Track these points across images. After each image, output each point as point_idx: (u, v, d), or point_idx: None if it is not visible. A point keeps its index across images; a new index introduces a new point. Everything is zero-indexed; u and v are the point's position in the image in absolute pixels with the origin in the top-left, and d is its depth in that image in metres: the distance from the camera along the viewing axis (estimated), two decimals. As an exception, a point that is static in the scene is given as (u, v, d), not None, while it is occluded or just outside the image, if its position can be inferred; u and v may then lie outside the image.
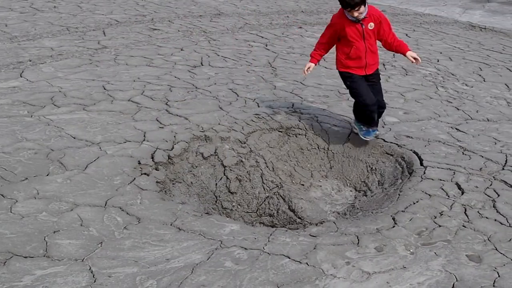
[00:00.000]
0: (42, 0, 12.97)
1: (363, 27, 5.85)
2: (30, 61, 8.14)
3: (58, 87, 7.05)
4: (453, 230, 4.53)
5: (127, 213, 4.40)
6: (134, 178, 4.98)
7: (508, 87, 9.02)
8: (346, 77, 6.11)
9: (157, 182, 5.04)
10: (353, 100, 6.24)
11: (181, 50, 9.56)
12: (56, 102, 6.49)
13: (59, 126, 5.82)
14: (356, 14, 5.69)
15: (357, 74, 6.01)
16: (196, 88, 7.51)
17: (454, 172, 5.58)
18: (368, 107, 6.02)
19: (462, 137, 6.59)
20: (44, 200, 4.44)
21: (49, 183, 4.70)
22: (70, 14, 11.77)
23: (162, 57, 8.97)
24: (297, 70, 8.93)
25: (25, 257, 3.73)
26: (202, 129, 6.11)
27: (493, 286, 3.85)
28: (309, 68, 6.19)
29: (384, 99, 6.31)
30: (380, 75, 6.33)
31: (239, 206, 5.55)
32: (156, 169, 5.26)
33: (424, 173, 5.55)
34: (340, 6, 5.78)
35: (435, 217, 4.72)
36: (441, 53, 11.22)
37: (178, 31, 11.15)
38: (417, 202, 4.96)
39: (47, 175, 4.85)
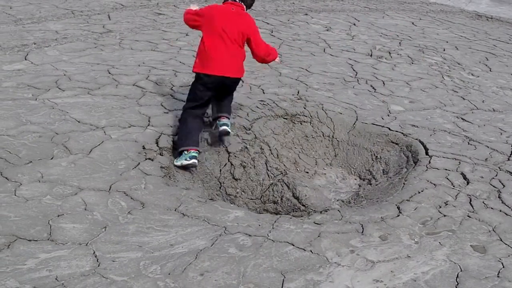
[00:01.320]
0: (47, -17, 12.92)
1: None
2: (34, 44, 8.11)
3: (62, 70, 7.02)
4: (458, 220, 4.51)
5: (131, 198, 4.39)
6: (139, 163, 4.97)
7: (514, 77, 8.98)
8: None
9: (161, 167, 5.02)
10: (359, 88, 6.19)
11: (186, 35, 9.52)
12: (60, 85, 6.47)
13: (63, 110, 5.80)
14: None
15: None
16: (201, 73, 7.47)
17: (459, 162, 5.56)
18: None
19: (467, 127, 6.57)
20: (49, 183, 4.43)
21: (53, 167, 4.69)
22: (75, -2, 11.72)
23: (167, 42, 8.93)
24: (302, 57, 8.89)
25: (29, 240, 3.72)
26: (207, 115, 6.08)
27: (498, 276, 3.84)
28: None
29: None
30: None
31: (243, 193, 5.54)
32: (161, 154, 5.25)
33: (429, 162, 5.53)
34: None
35: (440, 207, 4.70)
36: (447, 42, 11.16)
37: (183, 16, 11.10)
38: (422, 191, 4.95)
39: (52, 158, 4.83)
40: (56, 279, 3.39)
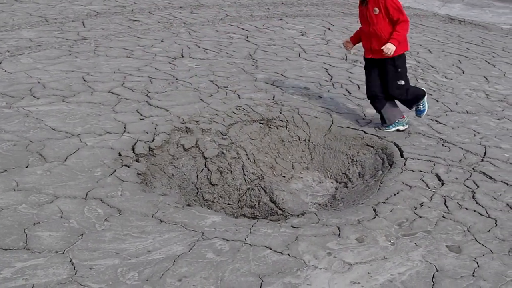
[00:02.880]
0: (20, -10, 12.83)
1: (368, 10, 6.02)
2: (8, 52, 8.04)
3: (37, 78, 6.97)
4: (433, 221, 4.56)
5: (108, 205, 4.37)
6: (115, 170, 4.95)
7: (487, 79, 9.11)
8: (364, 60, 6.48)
9: (138, 173, 5.01)
10: (335, 92, 6.29)
11: (162, 41, 9.51)
12: (35, 93, 6.42)
13: (38, 118, 5.76)
14: None
15: (366, 57, 6.34)
16: (176, 79, 7.48)
17: (434, 164, 5.62)
18: (367, 97, 6.54)
19: (442, 129, 6.64)
20: (24, 192, 4.39)
21: (28, 175, 4.66)
22: (48, 5, 11.64)
23: (142, 49, 8.91)
24: (278, 62, 8.93)
25: (5, 250, 3.69)
26: (183, 120, 6.08)
27: (473, 276, 3.88)
28: (347, 47, 6.53)
29: (401, 88, 6.28)
30: (397, 64, 6.21)
31: (220, 198, 5.55)
32: (137, 160, 5.23)
33: (405, 164, 5.59)
34: None
35: (416, 208, 4.75)
36: (420, 45, 11.28)
37: (158, 22, 11.09)
38: (397, 193, 4.99)
39: (27, 166, 4.80)
40: (33, 287, 3.36)
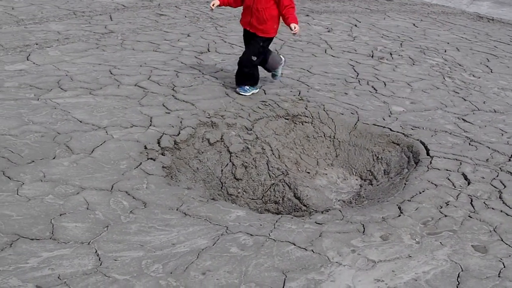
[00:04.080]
0: (49, -17, 12.93)
1: None
2: (36, 44, 8.12)
3: (64, 70, 7.04)
4: (459, 220, 4.52)
5: (133, 197, 4.40)
6: (140, 163, 4.98)
7: (515, 78, 8.99)
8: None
9: (163, 167, 5.03)
10: (360, 89, 6.26)
11: (188, 36, 9.53)
12: (62, 85, 6.48)
13: (65, 110, 5.81)
14: None
15: (244, 28, 6.79)
16: (202, 74, 7.49)
17: (460, 163, 5.57)
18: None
19: (469, 127, 6.58)
20: (51, 183, 4.44)
21: (55, 166, 4.70)
22: (76, -2, 11.73)
23: (168, 43, 8.94)
24: (304, 58, 8.90)
25: (32, 239, 3.73)
26: (209, 115, 6.10)
27: (499, 276, 3.85)
28: (213, 4, 6.81)
29: (251, 62, 6.77)
30: (264, 45, 6.73)
31: (244, 193, 5.55)
32: (162, 154, 5.26)
33: (431, 163, 5.54)
34: None
35: (441, 207, 4.71)
36: (448, 43, 11.17)
37: (185, 16, 11.12)
38: (423, 191, 4.96)
39: (54, 158, 4.85)
40: (58, 277, 3.40)
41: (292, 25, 6.34)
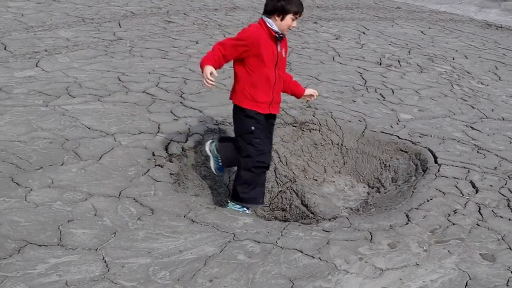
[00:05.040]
0: (58, -10, 13.02)
1: (279, 49, 4.53)
2: (46, 51, 8.17)
3: (73, 77, 7.07)
4: (467, 229, 4.50)
5: (141, 204, 4.41)
6: (148, 170, 4.99)
7: (524, 86, 8.97)
8: (251, 118, 4.62)
9: (170, 174, 5.05)
10: (368, 96, 6.20)
11: (196, 43, 9.56)
12: (71, 92, 6.51)
13: (74, 116, 5.84)
14: (295, 24, 4.53)
15: (262, 114, 4.63)
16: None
17: (468, 171, 5.55)
18: (260, 169, 4.72)
19: (477, 135, 6.56)
20: (59, 189, 4.46)
21: (63, 173, 4.72)
22: (85, 5, 11.79)
23: (177, 50, 8.98)
24: (311, 65, 8.91)
25: (40, 245, 3.75)
26: (216, 122, 6.11)
27: (507, 285, 3.83)
28: (211, 73, 4.33)
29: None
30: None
31: (252, 200, 5.54)
32: (170, 161, 5.27)
33: (439, 170, 5.53)
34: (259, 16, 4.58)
35: (449, 215, 4.70)
36: (456, 51, 11.16)
37: (193, 24, 11.16)
38: (431, 199, 4.94)
39: (62, 164, 4.87)
40: (66, 284, 3.41)
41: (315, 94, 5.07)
